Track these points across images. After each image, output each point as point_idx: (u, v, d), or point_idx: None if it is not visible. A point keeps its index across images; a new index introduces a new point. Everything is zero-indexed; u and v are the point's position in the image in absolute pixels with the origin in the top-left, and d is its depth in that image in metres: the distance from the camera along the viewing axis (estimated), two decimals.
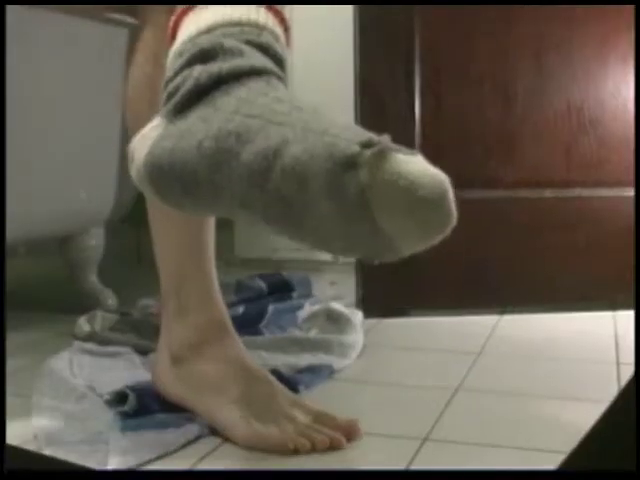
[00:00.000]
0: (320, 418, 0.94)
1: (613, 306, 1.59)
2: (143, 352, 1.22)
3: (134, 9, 1.03)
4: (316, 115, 0.67)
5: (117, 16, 1.44)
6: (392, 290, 1.59)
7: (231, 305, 1.34)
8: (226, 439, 0.93)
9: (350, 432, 0.93)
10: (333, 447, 0.90)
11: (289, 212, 0.65)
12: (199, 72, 0.71)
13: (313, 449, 0.89)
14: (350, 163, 0.61)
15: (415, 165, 0.61)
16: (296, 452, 0.89)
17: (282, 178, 0.64)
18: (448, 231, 0.62)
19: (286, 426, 0.91)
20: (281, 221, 0.67)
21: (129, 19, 1.37)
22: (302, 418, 0.93)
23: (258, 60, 0.72)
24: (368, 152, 0.61)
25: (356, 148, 0.62)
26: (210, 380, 0.96)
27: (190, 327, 0.99)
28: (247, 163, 0.66)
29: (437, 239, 0.63)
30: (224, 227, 1.86)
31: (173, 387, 0.99)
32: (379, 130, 0.64)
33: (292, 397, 0.98)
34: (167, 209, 0.90)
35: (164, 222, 0.99)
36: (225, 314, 1.02)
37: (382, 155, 0.61)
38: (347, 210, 0.62)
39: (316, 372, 1.17)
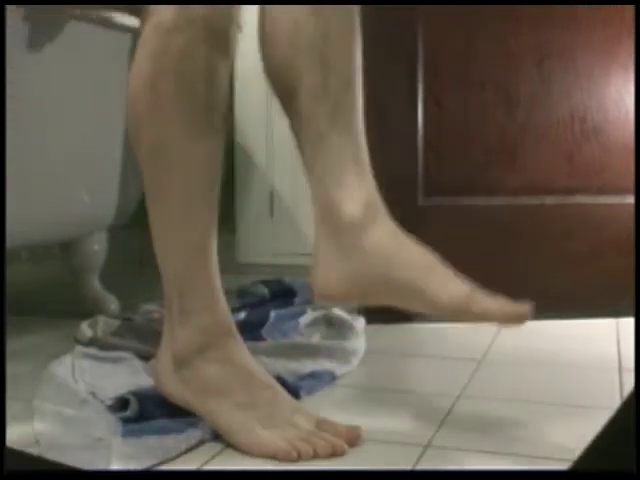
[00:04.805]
0: (322, 425, 0.94)
1: (615, 313, 1.59)
2: (145, 357, 1.22)
3: (136, 8, 1.03)
4: None
5: (120, 20, 1.44)
6: None
7: (233, 311, 1.34)
8: (228, 444, 0.93)
9: (352, 439, 0.93)
10: (335, 453, 0.90)
11: None
12: None
13: (315, 455, 0.89)
14: None
15: None
16: (298, 458, 0.89)
17: None
18: None
19: (289, 433, 0.91)
20: None
21: (132, 23, 1.38)
22: (304, 425, 0.93)
23: None
24: None
25: None
26: (213, 383, 0.96)
27: (194, 329, 0.98)
28: None
29: None
30: (225, 232, 1.86)
31: (176, 390, 0.99)
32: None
33: (294, 404, 0.98)
34: (168, 211, 0.89)
35: (166, 225, 0.99)
36: (229, 316, 1.01)
37: None
38: None
39: (318, 378, 1.17)
